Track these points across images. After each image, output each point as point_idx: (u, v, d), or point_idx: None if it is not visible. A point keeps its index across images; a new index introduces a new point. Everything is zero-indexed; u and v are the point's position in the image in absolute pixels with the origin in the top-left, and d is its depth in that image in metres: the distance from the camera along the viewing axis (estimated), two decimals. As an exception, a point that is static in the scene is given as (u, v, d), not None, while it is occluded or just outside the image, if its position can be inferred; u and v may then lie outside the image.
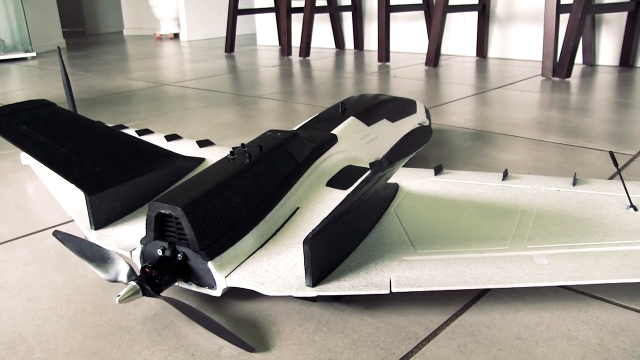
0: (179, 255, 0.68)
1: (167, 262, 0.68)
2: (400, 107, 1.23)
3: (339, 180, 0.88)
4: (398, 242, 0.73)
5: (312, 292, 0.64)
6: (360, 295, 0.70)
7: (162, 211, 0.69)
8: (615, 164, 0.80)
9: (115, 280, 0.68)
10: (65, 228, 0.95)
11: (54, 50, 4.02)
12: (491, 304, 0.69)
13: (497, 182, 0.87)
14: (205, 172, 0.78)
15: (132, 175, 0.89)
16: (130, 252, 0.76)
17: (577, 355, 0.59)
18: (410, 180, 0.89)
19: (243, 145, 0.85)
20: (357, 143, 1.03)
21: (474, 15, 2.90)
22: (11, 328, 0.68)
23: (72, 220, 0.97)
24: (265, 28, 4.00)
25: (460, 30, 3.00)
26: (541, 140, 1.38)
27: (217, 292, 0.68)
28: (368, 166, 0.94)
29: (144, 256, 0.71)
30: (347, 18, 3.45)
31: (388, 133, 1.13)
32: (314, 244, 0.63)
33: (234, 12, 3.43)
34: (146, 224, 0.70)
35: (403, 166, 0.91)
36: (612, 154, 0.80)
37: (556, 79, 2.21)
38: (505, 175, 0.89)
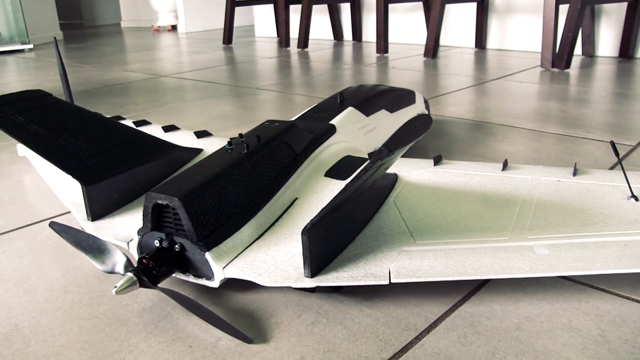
0: (177, 246, 0.68)
1: (164, 253, 0.67)
2: (399, 98, 1.22)
3: (337, 171, 0.88)
4: (397, 233, 0.73)
5: (311, 282, 0.64)
6: (359, 286, 0.69)
7: (160, 202, 0.68)
8: (617, 154, 0.79)
9: (112, 272, 0.68)
10: (61, 219, 0.94)
11: (50, 42, 4.00)
12: (491, 294, 0.68)
13: (496, 173, 0.87)
14: (203, 163, 0.77)
15: (129, 166, 0.88)
16: (127, 243, 0.75)
17: (578, 346, 0.59)
18: (409, 170, 0.89)
19: (241, 135, 0.84)
20: (356, 133, 1.02)
21: (472, 7, 2.89)
22: (7, 320, 0.67)
23: (69, 212, 0.97)
24: (263, 19, 3.98)
25: (458, 21, 2.99)
26: (540, 131, 1.37)
27: (214, 283, 0.68)
28: (367, 156, 0.94)
29: (141, 247, 0.71)
30: (345, 9, 3.43)
31: (387, 123, 1.13)
32: (312, 234, 0.62)
33: (232, 3, 3.42)
34: (143, 215, 0.69)
35: (402, 156, 0.91)
36: (613, 143, 0.79)
37: (555, 70, 2.20)
38: (505, 166, 0.88)
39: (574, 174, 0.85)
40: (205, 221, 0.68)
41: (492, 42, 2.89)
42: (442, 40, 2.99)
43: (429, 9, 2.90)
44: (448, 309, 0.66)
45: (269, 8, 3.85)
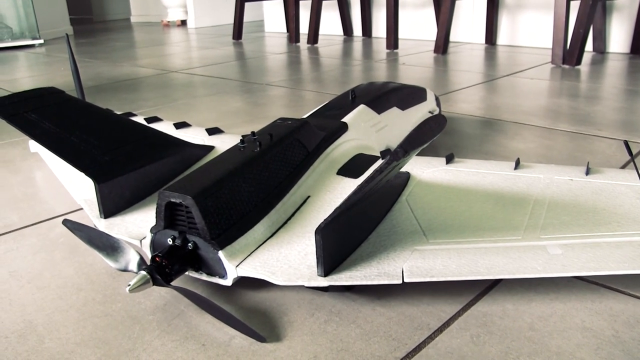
0: (189, 244, 0.68)
1: (177, 252, 0.67)
2: (410, 95, 1.22)
3: (349, 169, 0.88)
4: (410, 232, 0.73)
5: (324, 281, 0.64)
6: (371, 285, 0.69)
7: (173, 200, 0.68)
8: (630, 153, 0.78)
9: (125, 270, 0.68)
10: (74, 217, 0.95)
11: (61, 37, 4.01)
12: (504, 294, 0.68)
13: (509, 171, 0.87)
14: (216, 161, 0.78)
15: (141, 164, 0.88)
16: (140, 241, 0.75)
17: (592, 347, 0.59)
18: (421, 168, 0.89)
19: (253, 133, 0.85)
20: (368, 131, 1.02)
21: (483, 2, 2.88)
22: (21, 317, 0.68)
23: (81, 209, 0.97)
24: (273, 15, 3.98)
25: (469, 17, 2.98)
26: (551, 129, 1.37)
27: (227, 282, 0.68)
28: (379, 154, 0.93)
29: (154, 245, 0.71)
30: (355, 5, 3.43)
31: (398, 121, 1.13)
32: (326, 233, 0.62)
33: (242, -2, 3.42)
34: (156, 213, 0.70)
35: (414, 155, 0.91)
36: (626, 142, 0.79)
37: (566, 66, 2.19)
38: (517, 164, 0.88)
39: (587, 173, 0.85)
40: (218, 219, 0.68)
41: (502, 38, 2.88)
42: (452, 36, 2.98)
43: (439, 5, 2.89)
44: (461, 309, 0.66)
45: (279, 3, 3.84)
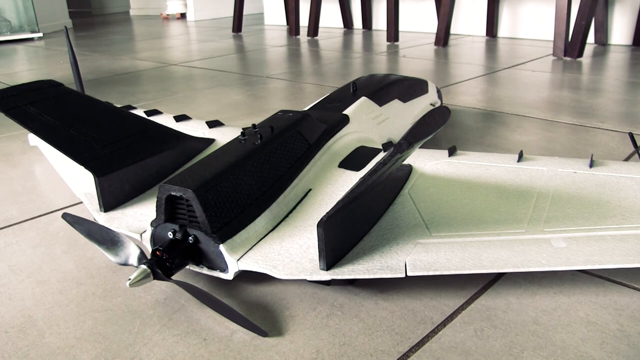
0: (190, 238, 0.67)
1: (178, 245, 0.67)
2: (411, 87, 1.21)
3: (351, 162, 0.87)
4: (413, 225, 0.72)
5: (326, 275, 0.63)
6: (374, 279, 0.69)
7: (173, 193, 0.67)
8: (635, 145, 0.78)
9: (125, 264, 0.67)
10: (74, 210, 0.94)
11: (60, 30, 4.00)
12: (507, 287, 0.68)
13: (512, 164, 0.86)
14: (216, 154, 0.77)
15: (141, 157, 0.88)
16: (140, 235, 0.75)
17: (597, 341, 0.58)
18: (423, 161, 0.88)
19: (254, 126, 0.84)
20: (369, 123, 1.01)
21: (484, -6, 2.87)
22: (21, 312, 0.67)
23: (81, 203, 0.96)
24: (272, 7, 3.96)
25: (469, 9, 2.96)
26: (553, 121, 1.36)
27: (228, 276, 0.67)
28: (380, 147, 0.93)
29: (154, 239, 0.70)
30: (355, -3, 3.42)
31: (400, 113, 1.12)
32: (328, 226, 0.62)
33: (241, -9, 3.40)
34: (156, 206, 0.69)
35: (416, 147, 0.90)
36: (631, 135, 0.78)
37: (568, 58, 2.18)
38: (520, 157, 0.87)
39: (591, 166, 0.84)
40: (219, 213, 0.68)
41: (503, 31, 2.87)
42: (453, 29, 2.97)
43: (439, -3, 2.88)
44: (464, 302, 0.65)
45: (279, -4, 3.83)
